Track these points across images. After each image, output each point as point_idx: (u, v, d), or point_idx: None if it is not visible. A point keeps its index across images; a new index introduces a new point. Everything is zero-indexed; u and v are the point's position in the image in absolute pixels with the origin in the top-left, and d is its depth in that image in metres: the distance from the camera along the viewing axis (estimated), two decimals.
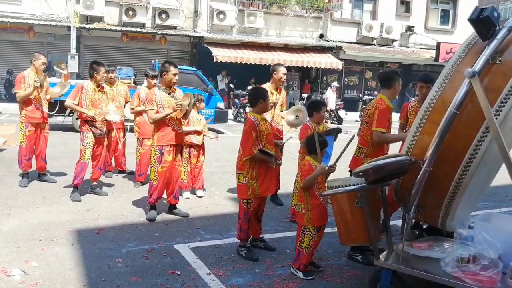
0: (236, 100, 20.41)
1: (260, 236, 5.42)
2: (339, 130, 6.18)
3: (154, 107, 6.00)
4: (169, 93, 6.10)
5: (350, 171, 5.34)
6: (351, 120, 22.49)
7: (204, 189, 7.52)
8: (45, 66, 7.52)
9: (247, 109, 18.86)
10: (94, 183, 7.21)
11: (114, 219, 6.13)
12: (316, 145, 4.64)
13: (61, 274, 4.44)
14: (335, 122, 20.17)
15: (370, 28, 24.92)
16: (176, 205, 6.43)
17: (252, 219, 5.20)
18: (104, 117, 7.02)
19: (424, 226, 5.22)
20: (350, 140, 4.66)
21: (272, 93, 6.94)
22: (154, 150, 6.10)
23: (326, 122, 18.60)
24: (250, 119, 5.07)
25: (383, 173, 4.07)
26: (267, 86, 7.00)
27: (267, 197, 5.43)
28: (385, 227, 4.48)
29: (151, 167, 6.23)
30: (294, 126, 6.96)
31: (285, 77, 6.99)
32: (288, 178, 7.19)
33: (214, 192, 7.72)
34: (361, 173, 4.07)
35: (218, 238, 5.63)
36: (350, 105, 23.92)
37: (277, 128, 6.94)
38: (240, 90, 21.00)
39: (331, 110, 20.48)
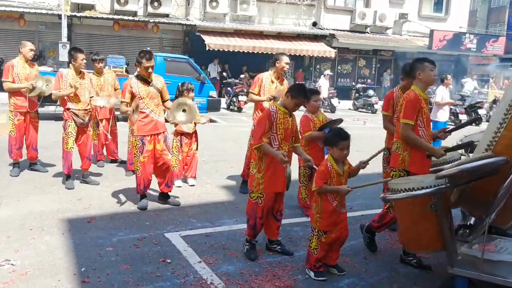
0: (229, 88, 20.34)
1: (277, 238, 5.01)
2: (340, 121, 6.11)
3: (126, 99, 5.95)
4: (147, 82, 5.98)
5: (390, 169, 4.92)
6: (344, 109, 22.50)
7: (195, 178, 7.51)
8: (33, 52, 7.43)
9: (240, 97, 18.82)
10: (85, 173, 7.18)
11: (105, 208, 6.11)
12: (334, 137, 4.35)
13: (51, 263, 4.44)
14: (328, 110, 20.17)
15: (364, 16, 24.83)
16: (169, 193, 6.39)
17: (267, 217, 4.85)
18: (88, 105, 6.97)
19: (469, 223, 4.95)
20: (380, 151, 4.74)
21: (272, 82, 6.96)
22: (135, 140, 6.05)
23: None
24: (268, 109, 4.84)
25: (476, 176, 3.82)
26: (269, 74, 7.05)
27: (283, 194, 4.95)
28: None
29: (134, 157, 6.19)
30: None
31: (287, 66, 6.99)
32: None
33: (206, 180, 7.71)
34: (447, 177, 3.75)
35: (209, 227, 5.64)
36: (343, 93, 23.94)
37: None
38: (233, 79, 20.93)
39: (324, 99, 20.47)
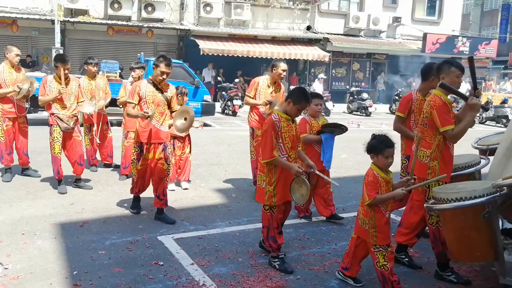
0: (223, 93, 20.37)
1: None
2: (339, 128, 5.99)
3: (134, 100, 5.69)
4: (158, 89, 5.73)
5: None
6: (339, 112, 22.55)
7: (189, 181, 7.51)
8: (19, 58, 7.42)
9: (235, 101, 18.85)
10: (78, 177, 7.14)
11: (98, 212, 6.10)
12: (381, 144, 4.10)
13: (43, 267, 4.43)
14: (323, 113, 20.21)
15: (357, 20, 24.91)
16: (163, 209, 5.94)
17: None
18: (74, 110, 6.90)
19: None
20: None
21: (269, 86, 6.97)
22: (134, 146, 5.91)
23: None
24: (270, 117, 4.58)
25: None
26: (265, 78, 7.06)
27: (291, 203, 4.85)
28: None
29: (131, 163, 6.08)
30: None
31: (284, 73, 6.97)
32: None
33: (200, 184, 7.71)
34: (507, 186, 3.64)
35: (202, 229, 5.64)
36: (337, 96, 23.96)
37: None
38: (227, 83, 20.96)
39: None
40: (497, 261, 3.89)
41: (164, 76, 5.69)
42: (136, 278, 4.27)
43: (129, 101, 5.79)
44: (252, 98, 6.99)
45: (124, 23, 21.03)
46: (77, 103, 7.00)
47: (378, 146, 4.09)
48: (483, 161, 4.98)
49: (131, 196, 6.24)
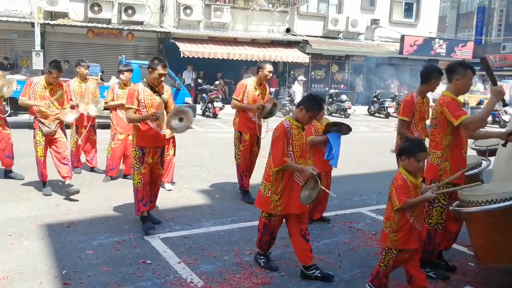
0: (204, 95, 20.46)
1: (313, 262, 4.57)
2: (345, 127, 6.01)
3: (134, 105, 5.51)
4: (155, 92, 5.64)
5: (423, 180, 4.44)
6: None
7: (173, 183, 7.61)
8: None
9: (215, 104, 18.94)
10: (67, 182, 6.88)
11: (84, 213, 6.17)
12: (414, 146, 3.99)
13: (31, 267, 4.50)
14: None
15: (336, 22, 25.18)
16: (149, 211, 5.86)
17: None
18: (57, 114, 6.86)
19: None
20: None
21: (256, 89, 6.98)
22: (135, 150, 5.64)
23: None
24: (282, 124, 4.47)
25: None
26: (252, 80, 7.07)
27: (306, 214, 4.66)
28: None
29: (133, 170, 5.72)
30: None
31: (270, 74, 6.99)
32: None
33: (183, 185, 7.81)
34: None
35: (187, 229, 5.75)
36: None
37: (258, 124, 7.01)
38: (207, 85, 21.05)
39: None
40: None
41: (162, 78, 5.62)
42: (124, 277, 4.37)
43: (129, 107, 5.55)
44: (240, 102, 6.96)
45: (104, 25, 20.96)
46: (63, 108, 6.99)
47: (412, 148, 3.99)
48: (484, 163, 4.99)
49: (116, 197, 6.26)
